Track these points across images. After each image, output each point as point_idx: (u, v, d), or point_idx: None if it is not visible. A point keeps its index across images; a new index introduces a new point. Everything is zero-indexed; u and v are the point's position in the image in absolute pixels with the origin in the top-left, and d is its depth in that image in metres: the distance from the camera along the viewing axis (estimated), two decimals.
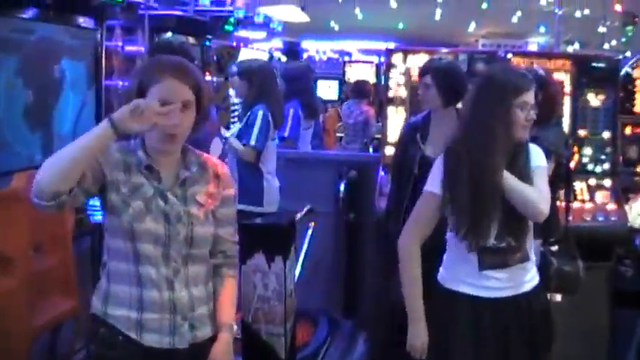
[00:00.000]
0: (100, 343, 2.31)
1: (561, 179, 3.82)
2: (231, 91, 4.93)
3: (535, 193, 2.74)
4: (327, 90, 11.61)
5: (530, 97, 2.76)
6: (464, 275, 2.77)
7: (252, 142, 4.53)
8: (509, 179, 2.71)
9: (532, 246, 2.85)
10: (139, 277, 2.27)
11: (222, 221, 2.42)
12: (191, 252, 2.32)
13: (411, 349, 2.77)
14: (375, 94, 8.54)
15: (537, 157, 2.85)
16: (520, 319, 2.79)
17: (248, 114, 4.65)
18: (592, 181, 4.64)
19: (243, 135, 4.60)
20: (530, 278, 2.84)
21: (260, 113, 4.56)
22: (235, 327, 2.45)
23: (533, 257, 2.85)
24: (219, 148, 4.37)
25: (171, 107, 2.15)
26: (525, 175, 2.75)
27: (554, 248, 3.74)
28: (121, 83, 5.11)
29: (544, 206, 2.73)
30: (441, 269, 2.88)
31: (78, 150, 2.08)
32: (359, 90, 8.17)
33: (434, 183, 2.78)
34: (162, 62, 2.32)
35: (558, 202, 3.88)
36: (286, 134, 6.01)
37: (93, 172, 2.17)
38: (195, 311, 2.34)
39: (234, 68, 4.95)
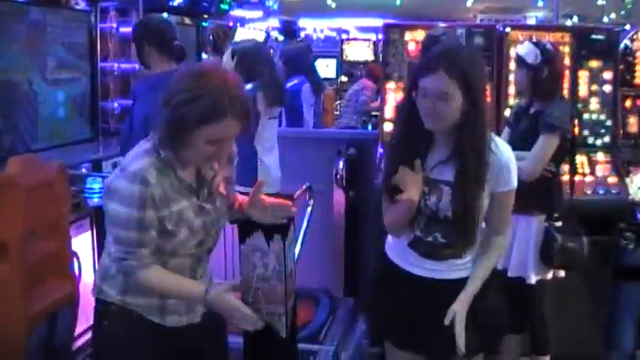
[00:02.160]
0: (115, 319, 2.36)
1: (565, 154, 3.79)
2: None
3: (494, 260, 2.71)
4: (325, 68, 11.56)
5: (429, 82, 2.44)
6: (397, 245, 2.75)
7: None
8: (475, 280, 2.64)
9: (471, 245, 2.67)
10: (165, 268, 2.33)
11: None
12: (215, 243, 2.46)
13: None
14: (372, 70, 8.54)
15: (505, 178, 2.60)
16: (442, 300, 2.62)
17: None
18: (592, 155, 4.61)
19: None
20: (463, 268, 2.68)
21: (248, 86, 4.52)
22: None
23: (470, 254, 2.68)
24: None
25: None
26: (473, 188, 2.53)
27: (558, 224, 3.73)
28: (116, 65, 5.08)
29: (502, 254, 2.82)
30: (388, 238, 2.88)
31: (170, 294, 2.33)
32: (372, 73, 8.21)
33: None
34: (219, 96, 2.14)
35: (561, 177, 3.87)
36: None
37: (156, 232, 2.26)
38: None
39: (229, 48, 4.91)
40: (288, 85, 5.80)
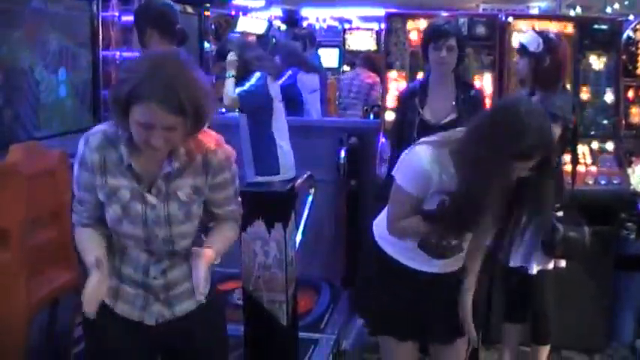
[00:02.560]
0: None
1: (567, 144, 3.79)
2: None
3: None
4: (327, 58, 11.53)
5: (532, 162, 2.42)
6: (401, 243, 2.74)
7: (237, 90, 4.56)
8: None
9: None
10: (122, 254, 2.33)
11: (218, 203, 2.38)
12: (174, 247, 2.31)
13: None
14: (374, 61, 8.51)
15: None
16: (444, 292, 2.78)
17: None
18: (594, 145, 4.61)
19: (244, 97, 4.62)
20: (457, 262, 2.80)
21: (257, 74, 4.56)
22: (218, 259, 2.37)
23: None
24: None
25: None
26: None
27: (560, 214, 3.72)
28: (118, 54, 5.07)
29: None
30: (376, 223, 2.89)
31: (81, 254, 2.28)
32: (368, 60, 8.17)
33: (411, 182, 2.58)
34: (151, 77, 2.07)
35: (563, 167, 3.86)
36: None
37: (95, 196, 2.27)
38: (172, 291, 2.36)
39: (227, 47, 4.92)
40: (280, 81, 5.86)
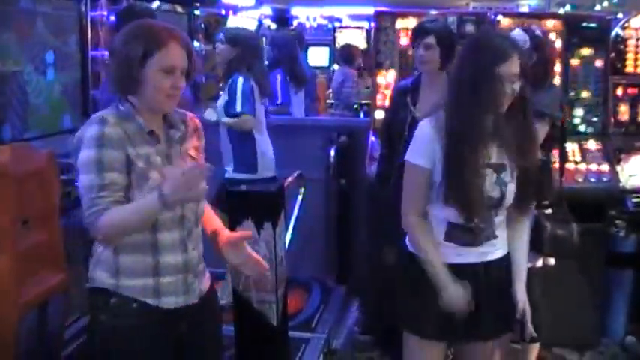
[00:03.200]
0: (112, 313, 2.33)
1: (555, 142, 3.80)
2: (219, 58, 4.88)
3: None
4: (317, 57, 11.53)
5: (509, 66, 2.56)
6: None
7: (239, 109, 4.49)
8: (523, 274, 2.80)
9: (502, 223, 2.76)
10: (156, 245, 2.32)
11: None
12: (199, 207, 2.42)
13: (457, 310, 2.63)
14: (364, 59, 8.50)
15: None
16: (492, 284, 2.74)
17: (229, 82, 4.60)
18: (584, 143, 4.62)
19: (229, 106, 4.56)
20: (499, 247, 2.77)
21: (240, 80, 4.52)
22: None
23: (501, 233, 2.76)
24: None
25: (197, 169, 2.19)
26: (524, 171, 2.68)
27: (548, 211, 3.73)
28: (107, 54, 5.05)
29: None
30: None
31: (134, 223, 2.23)
32: (346, 55, 8.14)
33: (418, 154, 2.66)
34: (162, 28, 2.32)
35: (552, 165, 3.87)
36: (279, 101, 6.01)
37: (124, 176, 2.25)
38: (199, 266, 2.46)
39: (221, 35, 4.90)
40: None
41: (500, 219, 2.72)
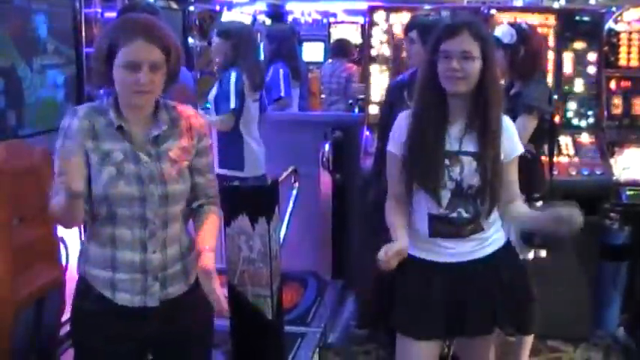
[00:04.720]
0: (79, 296, 2.42)
1: (545, 135, 3.81)
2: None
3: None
4: (312, 52, 11.52)
5: (455, 44, 2.54)
6: (414, 239, 2.66)
7: (232, 105, 4.50)
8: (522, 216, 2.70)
9: (493, 217, 2.74)
10: (114, 239, 2.34)
11: (201, 170, 2.47)
12: (168, 210, 2.35)
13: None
14: (359, 53, 8.46)
15: (513, 142, 2.73)
16: (480, 283, 2.70)
17: (221, 77, 4.61)
18: (577, 136, 4.64)
19: (220, 99, 4.57)
20: (490, 243, 2.74)
21: (233, 76, 4.53)
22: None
23: (490, 227, 2.74)
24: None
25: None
26: (496, 154, 2.63)
27: (539, 204, 3.75)
28: None
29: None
30: None
31: (56, 209, 2.25)
32: (340, 48, 8.09)
33: (392, 142, 2.71)
34: (132, 22, 2.32)
35: (543, 158, 3.89)
36: (282, 94, 6.01)
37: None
38: (167, 270, 2.40)
39: (215, 30, 4.91)
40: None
41: (486, 208, 2.67)
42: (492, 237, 2.75)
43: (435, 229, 2.67)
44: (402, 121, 2.71)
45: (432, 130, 2.61)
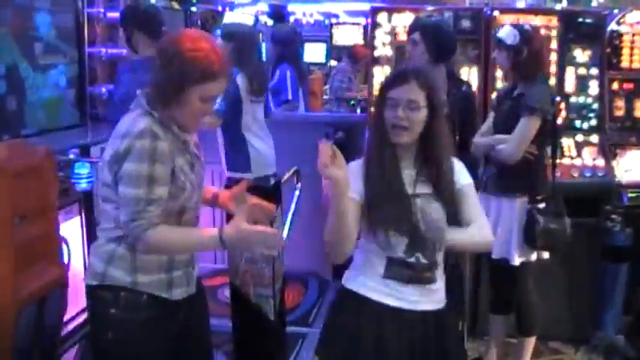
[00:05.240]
0: (123, 307, 2.42)
1: (548, 136, 3.81)
2: None
3: (477, 231, 2.59)
4: (314, 53, 11.52)
5: (401, 92, 2.51)
6: (368, 279, 2.57)
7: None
8: (452, 234, 2.55)
9: (440, 268, 2.63)
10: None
11: None
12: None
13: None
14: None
15: (462, 175, 2.64)
16: (427, 336, 2.56)
17: None
18: (579, 138, 4.64)
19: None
20: (438, 300, 2.61)
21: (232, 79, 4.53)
22: None
23: (441, 280, 2.63)
24: None
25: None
26: (450, 195, 2.57)
27: (541, 206, 3.75)
28: (104, 50, 5.06)
29: (490, 235, 2.66)
30: (346, 272, 2.69)
31: (180, 249, 2.45)
32: (354, 54, 8.13)
33: (350, 188, 2.49)
34: (216, 56, 2.35)
35: (545, 159, 3.89)
36: (289, 97, 6.01)
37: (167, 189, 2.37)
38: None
39: (218, 32, 4.91)
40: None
41: (441, 257, 2.60)
42: (440, 292, 2.64)
43: (391, 270, 2.54)
44: (356, 168, 2.59)
45: (392, 174, 2.55)
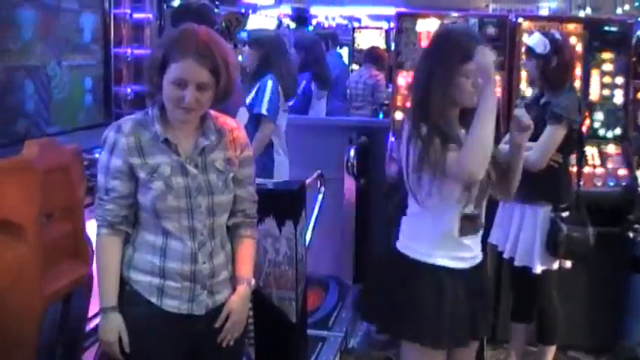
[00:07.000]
0: (126, 300, 2.43)
1: (573, 145, 3.81)
2: (240, 58, 4.89)
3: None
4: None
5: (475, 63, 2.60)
6: (439, 246, 2.67)
7: (263, 111, 4.50)
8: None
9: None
10: (165, 250, 2.37)
11: (242, 182, 2.49)
12: (215, 221, 2.39)
13: None
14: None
15: None
16: (478, 286, 2.77)
17: (257, 84, 4.62)
18: (603, 146, 4.62)
19: (254, 105, 4.57)
20: (479, 252, 2.80)
21: (269, 83, 4.54)
22: (253, 282, 2.55)
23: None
24: (245, 118, 4.33)
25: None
26: None
27: (565, 214, 3.74)
28: (129, 51, 5.09)
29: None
30: (403, 240, 2.77)
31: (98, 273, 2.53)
32: (373, 56, 8.11)
33: None
34: (187, 37, 2.29)
35: (570, 168, 3.88)
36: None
37: (126, 184, 2.35)
38: (215, 278, 2.43)
39: (244, 34, 4.93)
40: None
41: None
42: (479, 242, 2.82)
43: (464, 227, 2.68)
44: None
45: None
